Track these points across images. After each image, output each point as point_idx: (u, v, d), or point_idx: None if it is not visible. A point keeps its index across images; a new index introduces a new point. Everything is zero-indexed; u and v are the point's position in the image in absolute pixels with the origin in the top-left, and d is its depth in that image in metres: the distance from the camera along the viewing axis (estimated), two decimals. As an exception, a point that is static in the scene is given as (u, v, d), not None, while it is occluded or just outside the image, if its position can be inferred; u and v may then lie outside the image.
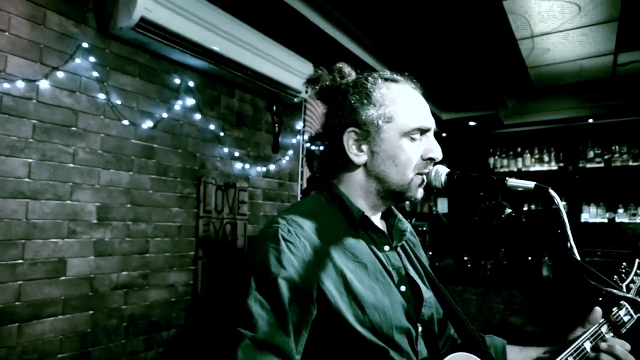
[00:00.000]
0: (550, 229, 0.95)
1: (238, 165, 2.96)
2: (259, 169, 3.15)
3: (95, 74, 2.11)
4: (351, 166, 0.99)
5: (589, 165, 5.71)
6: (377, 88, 0.97)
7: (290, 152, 3.48)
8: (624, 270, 1.23)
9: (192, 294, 2.57)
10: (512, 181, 0.89)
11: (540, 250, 4.66)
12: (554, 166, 5.87)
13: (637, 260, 1.25)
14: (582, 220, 5.64)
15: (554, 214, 0.86)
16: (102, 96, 2.15)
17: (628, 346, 1.02)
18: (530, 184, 0.89)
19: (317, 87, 1.02)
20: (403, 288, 0.96)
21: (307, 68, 3.22)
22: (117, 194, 2.21)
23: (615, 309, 1.11)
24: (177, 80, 2.54)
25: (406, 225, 1.07)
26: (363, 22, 3.37)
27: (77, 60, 2.04)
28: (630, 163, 5.45)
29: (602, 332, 1.08)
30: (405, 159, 0.95)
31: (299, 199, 3.61)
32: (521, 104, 5.60)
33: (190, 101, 2.59)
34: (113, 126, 2.20)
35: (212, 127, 2.75)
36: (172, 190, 2.50)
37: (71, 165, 2.02)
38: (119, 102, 2.21)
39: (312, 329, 0.85)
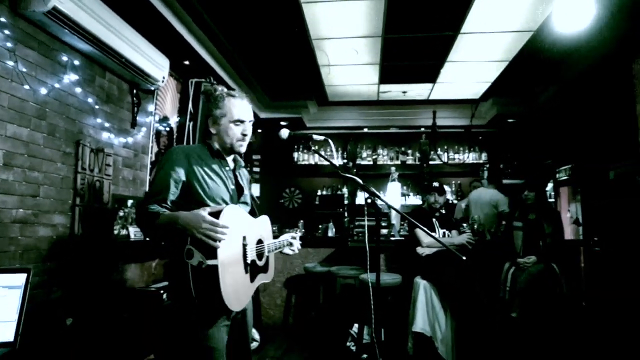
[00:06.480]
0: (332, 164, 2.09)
1: (105, 135, 3.58)
2: (121, 139, 3.80)
3: (8, 44, 2.58)
4: (211, 134, 1.99)
5: (363, 162, 7.72)
6: (222, 100, 1.94)
7: (144, 129, 4.19)
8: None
9: (70, 234, 3.14)
10: (315, 136, 2.10)
11: (328, 220, 6.34)
12: (340, 162, 7.75)
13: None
14: (357, 202, 7.66)
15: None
16: (11, 63, 2.62)
17: (296, 234, 2.29)
18: (322, 138, 2.12)
19: (203, 93, 2.03)
20: (233, 187, 1.99)
21: (165, 62, 4.02)
22: (19, 145, 2.70)
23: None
24: (65, 58, 3.08)
25: (242, 163, 2.11)
26: (215, 38, 4.35)
27: (-6, 32, 2.51)
28: (388, 162, 7.66)
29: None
30: (232, 133, 1.92)
31: (148, 169, 4.33)
32: (319, 112, 7.28)
33: (74, 77, 3.16)
34: (18, 89, 2.68)
35: (89, 100, 3.34)
36: (58, 148, 3.03)
37: (-15, 116, 2.48)
38: (24, 69, 2.71)
39: (184, 192, 1.82)
